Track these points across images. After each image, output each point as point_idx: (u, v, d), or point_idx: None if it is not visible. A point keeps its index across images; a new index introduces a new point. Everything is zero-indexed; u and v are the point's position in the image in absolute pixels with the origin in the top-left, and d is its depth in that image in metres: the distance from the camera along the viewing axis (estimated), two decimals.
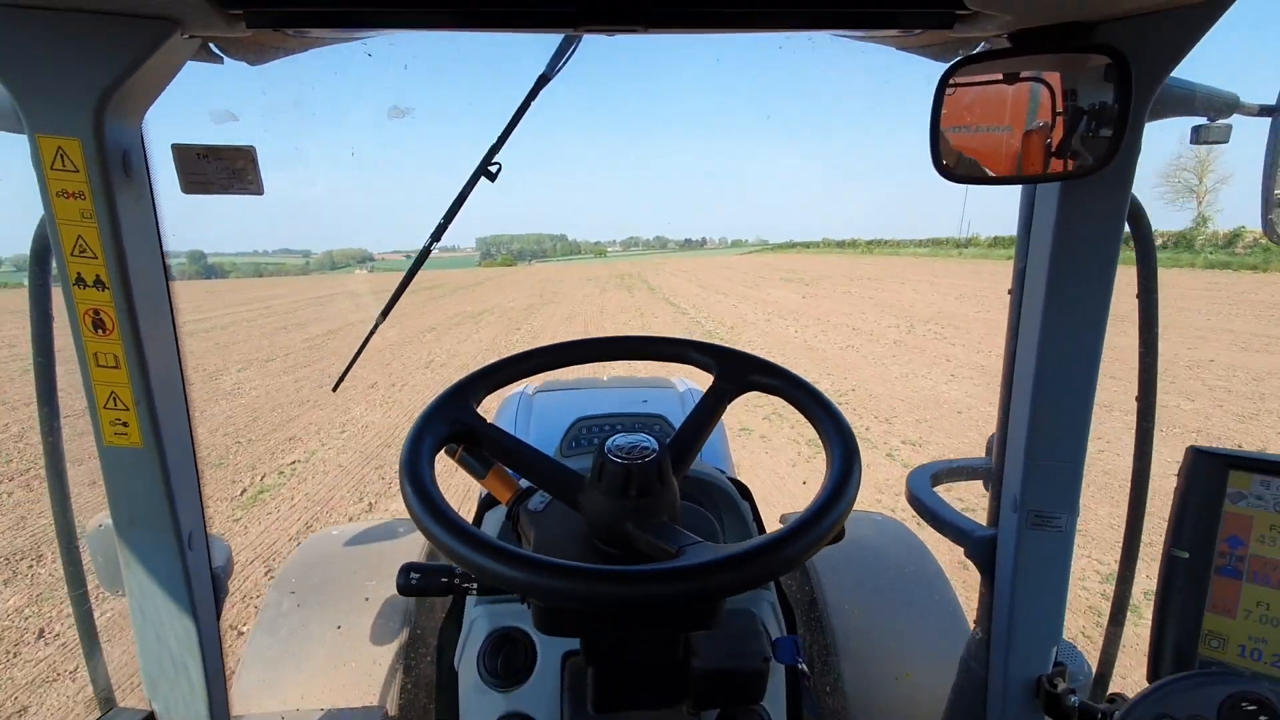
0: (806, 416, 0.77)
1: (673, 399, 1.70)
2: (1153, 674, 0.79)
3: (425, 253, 1.06)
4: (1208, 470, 0.77)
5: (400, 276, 1.12)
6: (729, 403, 0.83)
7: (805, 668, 0.89)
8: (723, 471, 1.18)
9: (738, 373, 0.84)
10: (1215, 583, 0.76)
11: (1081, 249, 0.81)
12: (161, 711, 0.93)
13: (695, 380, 1.93)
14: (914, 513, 1.07)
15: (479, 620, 0.97)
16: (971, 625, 1.12)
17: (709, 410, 0.82)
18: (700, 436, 0.80)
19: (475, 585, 0.83)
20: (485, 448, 0.76)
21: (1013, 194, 0.92)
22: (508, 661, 0.94)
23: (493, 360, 0.85)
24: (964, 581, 2.57)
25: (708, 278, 29.40)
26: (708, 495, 1.10)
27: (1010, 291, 0.94)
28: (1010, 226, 0.95)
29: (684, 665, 0.77)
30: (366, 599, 1.37)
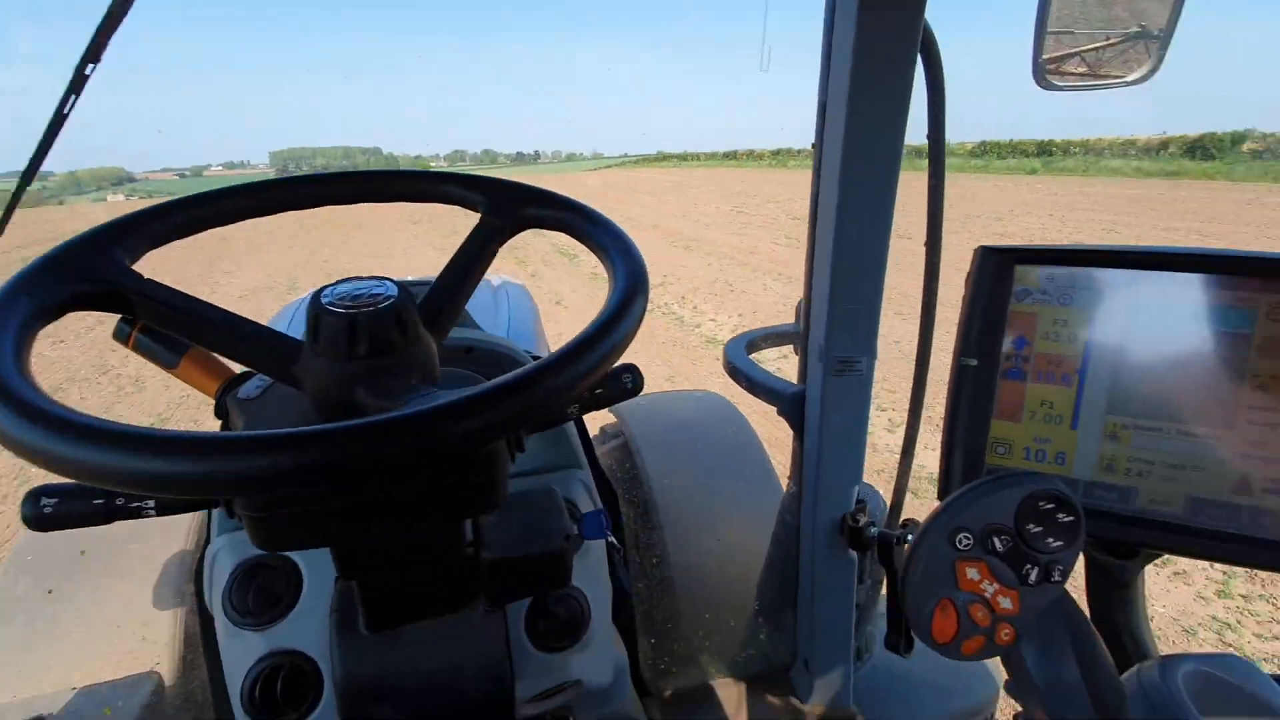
0: (590, 247, 0.66)
1: (482, 288, 1.51)
2: (943, 491, 0.76)
3: (30, 174, 0.79)
4: (994, 267, 0.71)
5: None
6: (500, 243, 0.69)
7: (614, 540, 0.85)
8: (529, 352, 1.05)
9: (510, 207, 0.69)
10: (1002, 387, 0.72)
11: (878, 76, 0.78)
12: None
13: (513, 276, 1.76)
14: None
15: (221, 552, 0.80)
16: (785, 483, 1.16)
17: (474, 252, 0.67)
18: (463, 283, 0.66)
19: (152, 503, 0.62)
20: (141, 314, 0.54)
21: None
22: (262, 594, 0.78)
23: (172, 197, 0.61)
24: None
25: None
26: (501, 371, 0.93)
27: (814, 145, 0.89)
28: None
29: (475, 558, 0.67)
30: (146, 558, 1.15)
